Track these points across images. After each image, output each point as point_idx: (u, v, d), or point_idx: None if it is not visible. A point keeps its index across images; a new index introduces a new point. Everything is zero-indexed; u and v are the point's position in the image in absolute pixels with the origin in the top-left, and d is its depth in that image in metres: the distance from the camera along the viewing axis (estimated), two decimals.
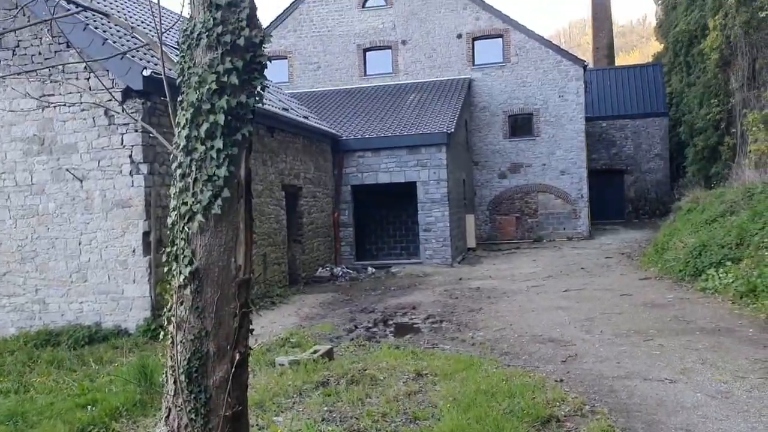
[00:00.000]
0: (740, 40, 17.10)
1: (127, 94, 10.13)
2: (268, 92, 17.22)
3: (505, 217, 25.53)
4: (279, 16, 26.85)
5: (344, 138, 19.76)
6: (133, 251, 10.26)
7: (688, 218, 16.31)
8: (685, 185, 23.83)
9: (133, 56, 10.01)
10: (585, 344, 8.59)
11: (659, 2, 32.63)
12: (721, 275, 11.69)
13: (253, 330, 3.78)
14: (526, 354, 8.26)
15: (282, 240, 15.47)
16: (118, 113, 9.89)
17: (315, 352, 7.95)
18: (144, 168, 10.25)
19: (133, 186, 10.29)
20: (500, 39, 25.41)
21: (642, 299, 11.55)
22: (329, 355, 7.99)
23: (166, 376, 3.63)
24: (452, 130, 19.48)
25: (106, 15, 4.07)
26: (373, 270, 18.30)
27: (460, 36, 25.47)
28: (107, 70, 10.13)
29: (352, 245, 19.76)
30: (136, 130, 10.18)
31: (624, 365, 7.48)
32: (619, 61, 44.70)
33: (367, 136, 19.89)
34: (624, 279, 14.24)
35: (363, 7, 26.20)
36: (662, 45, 32.06)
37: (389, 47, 26.16)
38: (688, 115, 24.33)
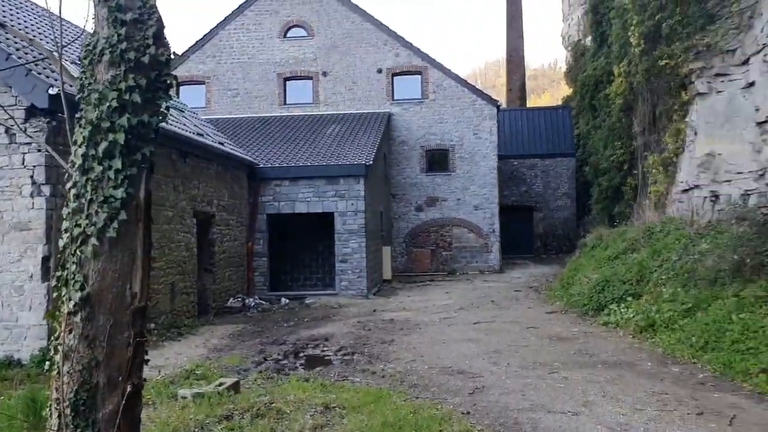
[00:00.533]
0: (642, 87, 18.10)
1: (32, 112, 9.66)
2: (183, 116, 16.86)
3: (420, 250, 25.83)
4: (198, 41, 26.52)
5: (261, 166, 19.54)
6: (31, 277, 9.70)
7: (592, 255, 16.97)
8: (590, 223, 24.84)
9: (39, 73, 9.59)
10: (492, 376, 8.69)
11: (569, 48, 34.26)
12: (622, 310, 12.16)
13: (148, 360, 3.60)
14: (435, 386, 8.28)
15: (192, 269, 15.02)
16: (20, 132, 9.41)
17: (220, 384, 7.69)
18: (46, 190, 9.77)
19: (33, 208, 9.78)
20: (419, 76, 25.97)
21: (548, 332, 11.85)
22: (235, 387, 7.75)
23: (50, 410, 3.39)
24: (371, 162, 19.63)
25: (2, 25, 3.87)
26: (287, 301, 18.02)
27: (380, 71, 25.87)
28: (9, 87, 9.65)
29: (266, 275, 19.44)
30: (39, 150, 9.70)
31: (529, 397, 7.60)
32: (530, 103, 46.44)
33: (285, 165, 19.76)
34: (531, 312, 14.59)
35: (284, 37, 26.24)
36: (571, 89, 33.58)
37: (310, 78, 26.24)
38: (593, 156, 25.43)
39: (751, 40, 13.79)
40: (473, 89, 26.77)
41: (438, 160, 26.08)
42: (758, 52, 13.50)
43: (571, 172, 31.39)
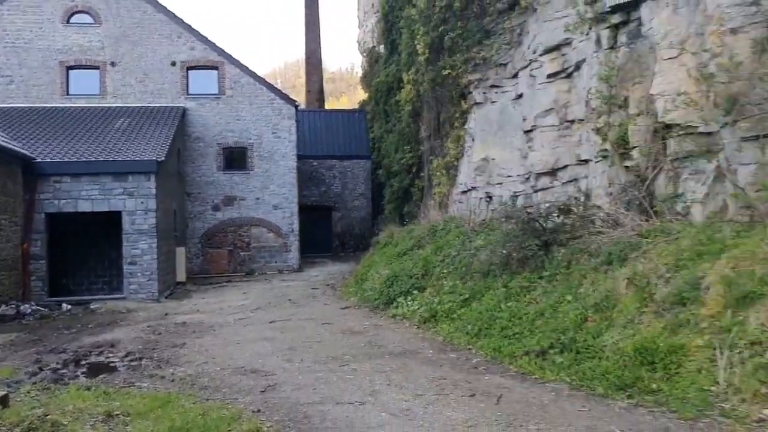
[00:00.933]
0: (428, 95, 19.33)
1: None
2: None
3: (217, 251, 25.33)
4: None
5: (39, 161, 17.92)
6: None
7: (384, 252, 17.83)
8: (383, 222, 25.99)
9: None
10: (285, 373, 8.83)
11: (364, 54, 35.44)
12: (409, 303, 12.96)
13: None
14: (226, 387, 8.23)
15: None
16: None
17: None
18: None
19: None
20: (215, 71, 25.41)
21: (341, 327, 12.27)
22: (3, 401, 7.10)
23: None
24: (163, 158, 18.85)
25: None
26: (69, 307, 16.76)
27: (174, 64, 24.92)
28: None
29: (45, 280, 17.86)
30: None
31: (320, 391, 7.84)
32: (329, 105, 47.31)
33: (66, 159, 18.29)
34: (327, 309, 14.98)
35: (67, 22, 24.27)
36: (367, 94, 34.76)
37: (97, 67, 24.55)
38: (386, 159, 26.58)
39: (520, 55, 15.35)
40: (272, 88, 26.75)
41: (236, 158, 25.71)
42: (526, 67, 15.06)
43: (367, 174, 32.53)
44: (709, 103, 9.24)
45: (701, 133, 9.53)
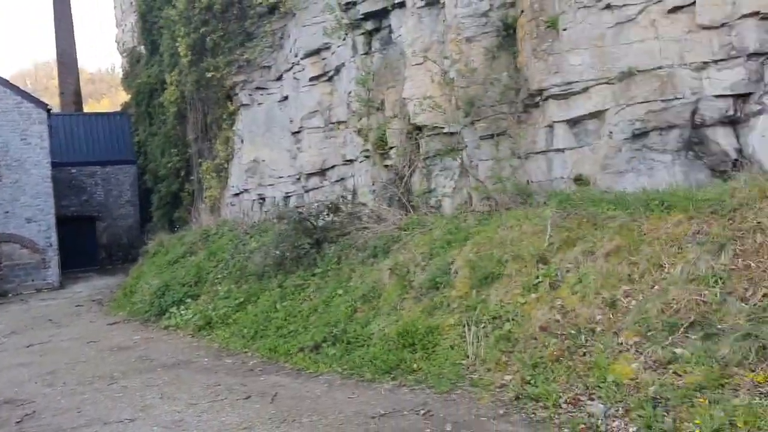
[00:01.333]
0: (193, 97, 18.84)
1: None
2: None
3: None
4: None
5: None
6: None
7: (154, 261, 17.10)
8: (153, 230, 24.83)
9: None
10: (46, 399, 8.21)
11: (124, 54, 33.51)
12: (182, 312, 12.62)
13: None
14: None
15: None
16: None
17: None
18: None
19: None
20: None
21: (109, 344, 11.62)
22: None
23: None
24: None
25: None
26: None
27: None
28: None
29: None
30: None
31: (86, 413, 7.42)
32: (88, 108, 44.04)
33: None
34: (93, 326, 14.05)
35: None
36: (129, 95, 32.96)
37: None
38: (152, 163, 25.48)
39: (283, 58, 15.63)
40: (17, 90, 24.24)
41: None
42: (289, 69, 15.38)
43: (133, 180, 30.82)
44: (452, 106, 10.23)
45: (446, 133, 10.53)
